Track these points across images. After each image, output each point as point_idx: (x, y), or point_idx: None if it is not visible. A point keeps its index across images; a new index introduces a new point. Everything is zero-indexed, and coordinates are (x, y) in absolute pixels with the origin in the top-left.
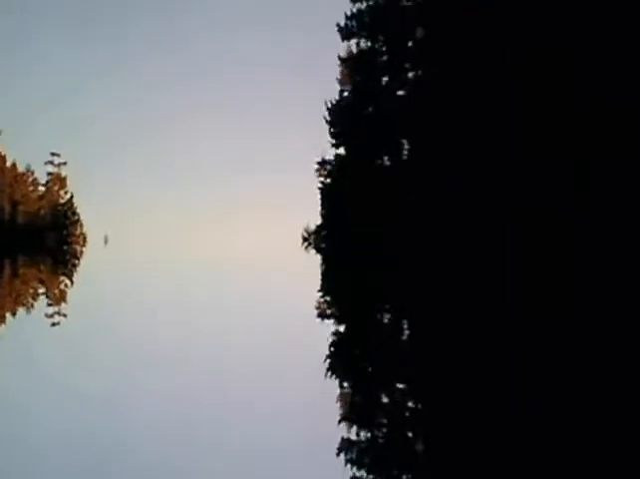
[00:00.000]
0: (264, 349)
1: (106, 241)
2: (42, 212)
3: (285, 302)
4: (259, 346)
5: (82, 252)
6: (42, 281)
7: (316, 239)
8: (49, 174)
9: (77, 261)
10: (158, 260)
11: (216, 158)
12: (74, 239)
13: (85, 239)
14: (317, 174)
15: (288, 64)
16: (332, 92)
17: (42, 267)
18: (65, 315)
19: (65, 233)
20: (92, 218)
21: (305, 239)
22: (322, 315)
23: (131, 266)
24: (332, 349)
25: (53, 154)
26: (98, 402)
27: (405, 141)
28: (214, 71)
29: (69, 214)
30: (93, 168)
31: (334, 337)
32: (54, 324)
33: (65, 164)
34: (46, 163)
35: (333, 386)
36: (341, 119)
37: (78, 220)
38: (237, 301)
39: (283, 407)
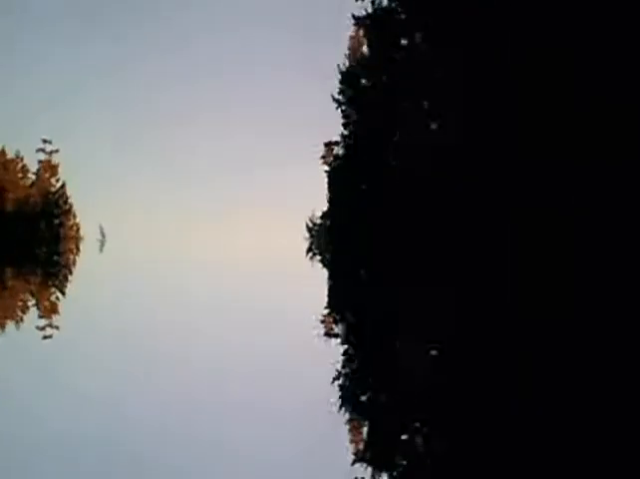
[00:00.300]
0: (263, 350)
1: (102, 233)
2: (32, 199)
3: (285, 303)
4: (259, 347)
5: (75, 261)
6: (32, 293)
7: (321, 226)
8: (40, 161)
9: (68, 272)
10: (157, 261)
11: (216, 158)
12: (67, 241)
13: (78, 229)
14: (323, 160)
15: (288, 64)
16: (332, 91)
17: (32, 279)
18: (57, 327)
19: (57, 222)
20: (91, 218)
21: (309, 230)
22: (329, 334)
23: (130, 267)
24: (343, 379)
25: (45, 141)
26: (97, 405)
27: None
28: (214, 71)
29: (60, 202)
30: (92, 168)
31: (345, 366)
32: (45, 337)
33: (57, 151)
34: (37, 150)
35: (332, 386)
36: (354, 85)
37: (70, 209)
38: (237, 302)
39: (282, 408)
